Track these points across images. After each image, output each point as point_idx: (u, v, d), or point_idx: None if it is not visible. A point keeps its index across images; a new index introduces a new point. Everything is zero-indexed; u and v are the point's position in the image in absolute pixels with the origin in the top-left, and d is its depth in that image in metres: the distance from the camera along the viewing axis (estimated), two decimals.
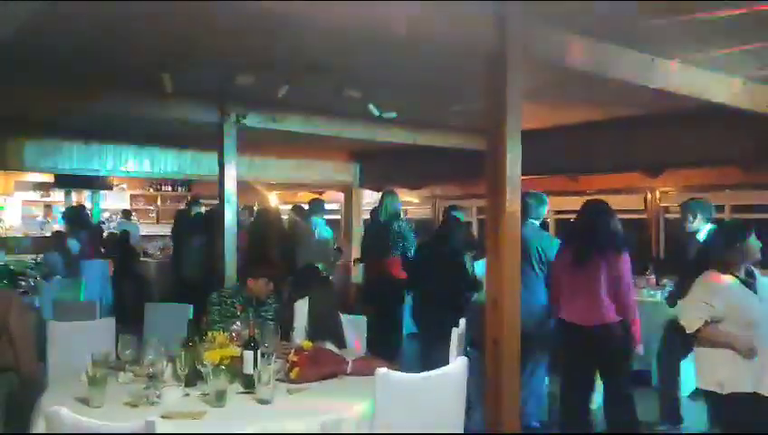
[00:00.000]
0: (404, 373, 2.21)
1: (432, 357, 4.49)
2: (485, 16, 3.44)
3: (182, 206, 11.29)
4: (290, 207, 9.47)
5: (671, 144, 6.88)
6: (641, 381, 5.89)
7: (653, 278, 6.71)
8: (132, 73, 5.01)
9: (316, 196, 10.04)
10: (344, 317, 3.93)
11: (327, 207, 8.85)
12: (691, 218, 5.05)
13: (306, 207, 8.30)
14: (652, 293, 6.43)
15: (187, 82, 5.10)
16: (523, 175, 3.73)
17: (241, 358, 3.09)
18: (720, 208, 7.04)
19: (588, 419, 4.49)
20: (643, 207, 8.54)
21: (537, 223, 5.17)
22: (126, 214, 12.53)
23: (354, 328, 3.92)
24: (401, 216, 6.72)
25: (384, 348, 4.73)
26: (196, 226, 8.03)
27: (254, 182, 10.07)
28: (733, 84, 4.99)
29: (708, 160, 6.81)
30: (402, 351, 6.44)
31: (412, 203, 11.48)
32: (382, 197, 6.66)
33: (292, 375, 3.15)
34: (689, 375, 5.36)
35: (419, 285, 5.56)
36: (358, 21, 3.11)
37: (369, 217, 8.37)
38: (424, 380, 2.24)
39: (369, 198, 11.33)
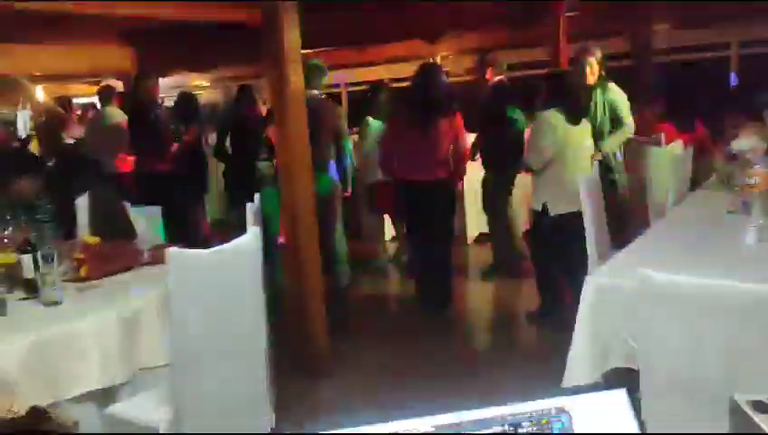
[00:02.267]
0: (196, 249, 2.17)
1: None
2: None
3: None
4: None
5: (446, 9, 7.14)
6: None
7: None
8: None
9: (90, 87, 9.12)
10: (134, 208, 3.74)
11: None
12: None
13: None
14: None
15: None
16: (308, 49, 3.70)
17: (18, 264, 2.85)
18: None
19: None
20: None
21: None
22: None
23: (146, 218, 3.75)
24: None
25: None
26: None
27: (15, 74, 8.86)
28: None
29: (478, 23, 7.19)
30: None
31: (202, 87, 10.95)
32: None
33: (82, 273, 2.96)
34: None
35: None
36: None
37: None
38: (217, 253, 2.22)
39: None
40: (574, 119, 4.19)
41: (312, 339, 3.85)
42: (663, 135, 5.28)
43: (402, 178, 4.70)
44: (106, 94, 7.04)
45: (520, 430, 0.84)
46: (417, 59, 8.71)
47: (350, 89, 9.50)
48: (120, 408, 2.44)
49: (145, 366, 2.63)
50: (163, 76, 10.52)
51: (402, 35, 7.84)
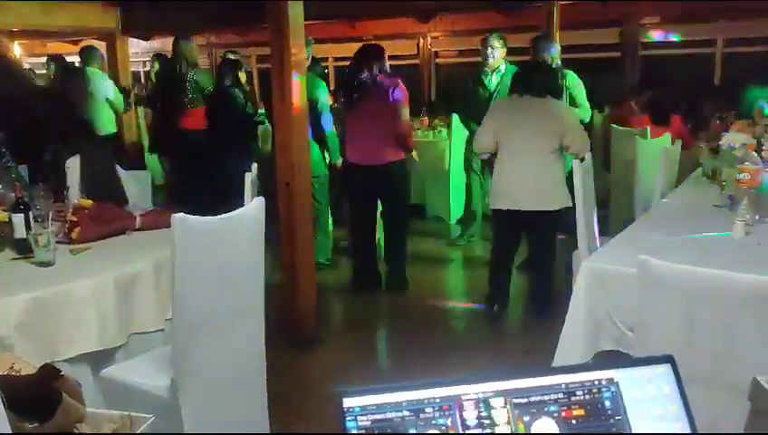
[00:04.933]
0: (201, 217, 2.17)
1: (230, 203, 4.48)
2: None
3: None
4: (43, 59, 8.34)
5: None
6: (417, 212, 6.54)
7: (426, 120, 7.20)
8: None
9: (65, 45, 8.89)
10: (126, 173, 3.71)
11: None
12: (491, 51, 5.16)
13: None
14: (426, 133, 6.94)
15: None
16: None
17: (10, 223, 2.81)
18: None
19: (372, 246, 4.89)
20: (416, 53, 8.91)
21: None
22: None
23: (137, 183, 3.72)
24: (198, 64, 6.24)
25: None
26: None
27: None
28: None
29: (473, 4, 7.20)
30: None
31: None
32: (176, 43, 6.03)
33: (74, 235, 2.93)
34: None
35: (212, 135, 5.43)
36: None
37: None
38: (222, 221, 2.22)
39: (137, 47, 10.33)
40: (530, 91, 3.95)
41: (300, 310, 3.87)
42: (648, 128, 5.37)
43: (350, 163, 4.66)
44: (89, 54, 6.82)
45: (573, 398, 0.88)
46: (407, 37, 8.72)
47: (338, 63, 9.43)
48: (115, 370, 2.44)
49: (139, 331, 2.64)
50: (146, 39, 10.35)
51: (394, 12, 7.79)
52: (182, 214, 2.10)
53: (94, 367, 2.47)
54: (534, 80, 4.00)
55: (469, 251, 5.85)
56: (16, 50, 10.56)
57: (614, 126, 5.78)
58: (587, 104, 5.03)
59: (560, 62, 5.15)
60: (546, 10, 6.37)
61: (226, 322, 2.32)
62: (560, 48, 5.28)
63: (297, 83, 3.55)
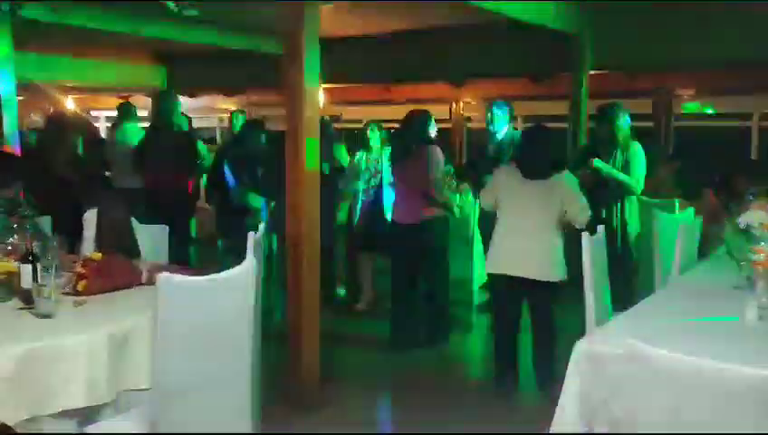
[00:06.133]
0: (188, 276, 2.18)
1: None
2: None
3: None
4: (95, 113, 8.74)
5: (474, 56, 7.26)
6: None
7: (454, 184, 7.20)
8: None
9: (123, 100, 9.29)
10: (141, 226, 3.79)
11: None
12: (490, 117, 5.47)
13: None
14: (453, 196, 6.93)
15: None
16: (334, 83, 3.78)
17: (19, 273, 2.88)
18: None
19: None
20: (448, 117, 9.02)
21: None
22: None
23: (152, 237, 3.79)
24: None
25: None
26: None
27: (45, 84, 9.08)
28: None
29: (505, 73, 7.29)
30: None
31: (229, 110, 11.10)
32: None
33: (79, 288, 2.98)
34: None
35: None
36: None
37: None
38: (209, 282, 2.23)
39: (183, 105, 10.73)
40: (527, 173, 3.95)
41: (303, 369, 3.83)
42: (677, 201, 5.26)
43: (392, 221, 5.02)
44: (124, 110, 7.08)
45: None
46: (440, 101, 8.83)
47: None
48: (100, 427, 2.43)
49: (130, 387, 2.64)
50: (192, 96, 10.77)
51: (429, 77, 7.96)
52: (168, 274, 2.12)
53: (80, 421, 2.47)
54: (537, 164, 3.94)
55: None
56: (70, 104, 11.12)
57: (640, 196, 5.68)
58: (641, 179, 4.84)
59: (627, 133, 4.85)
60: (576, 79, 6.39)
61: (209, 382, 2.30)
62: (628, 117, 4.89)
63: (310, 144, 3.62)
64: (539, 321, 4.06)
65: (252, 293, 2.41)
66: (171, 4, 4.90)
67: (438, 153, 4.80)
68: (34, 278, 2.84)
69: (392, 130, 5.35)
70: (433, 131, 4.96)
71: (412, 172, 4.73)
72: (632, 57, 6.36)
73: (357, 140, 6.25)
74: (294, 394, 3.83)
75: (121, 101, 9.13)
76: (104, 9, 6.02)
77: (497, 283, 4.10)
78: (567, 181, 3.95)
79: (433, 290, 4.97)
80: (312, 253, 3.68)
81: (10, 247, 3.11)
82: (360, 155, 5.88)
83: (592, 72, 6.42)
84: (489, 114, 5.44)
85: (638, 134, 5.14)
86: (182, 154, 5.57)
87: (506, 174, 4.09)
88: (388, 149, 5.51)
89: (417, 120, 4.89)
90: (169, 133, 5.60)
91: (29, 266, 2.86)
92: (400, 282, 4.94)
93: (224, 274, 2.32)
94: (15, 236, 3.20)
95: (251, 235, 3.12)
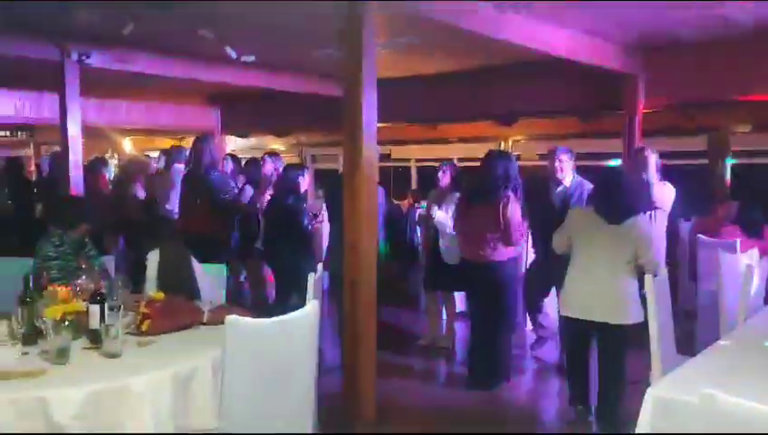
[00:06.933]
0: (254, 319, 2.21)
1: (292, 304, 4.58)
2: None
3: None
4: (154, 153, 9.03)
5: (523, 95, 7.26)
6: None
7: None
8: None
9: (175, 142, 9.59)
10: (201, 267, 3.86)
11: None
12: (559, 165, 5.03)
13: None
14: None
15: (24, 16, 4.64)
16: (382, 123, 3.82)
17: (87, 313, 2.96)
18: None
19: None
20: None
21: None
22: None
23: (211, 278, 3.85)
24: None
25: None
26: None
27: (106, 127, 9.45)
28: (571, 38, 5.34)
29: (553, 111, 7.27)
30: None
31: (279, 151, 11.35)
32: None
33: (144, 328, 3.05)
34: None
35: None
36: None
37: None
38: (274, 324, 2.26)
39: (234, 144, 11.02)
40: (607, 217, 3.86)
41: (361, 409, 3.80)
42: (738, 241, 5.10)
43: (461, 258, 4.94)
44: (172, 153, 7.15)
45: None
46: (488, 140, 8.83)
47: (420, 164, 9.65)
48: None
49: (195, 429, 2.66)
50: (243, 137, 11.05)
51: (477, 116, 7.98)
52: (235, 316, 2.15)
53: None
54: (616, 208, 3.86)
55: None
56: (127, 145, 11.55)
57: (701, 236, 5.53)
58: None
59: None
60: (627, 117, 6.33)
61: (275, 427, 2.31)
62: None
63: (369, 180, 3.66)
64: (609, 364, 3.96)
65: (315, 334, 2.42)
66: (230, 51, 5.08)
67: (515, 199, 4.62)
68: (102, 319, 2.93)
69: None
70: (515, 173, 4.70)
71: (483, 212, 4.62)
72: (686, 94, 6.26)
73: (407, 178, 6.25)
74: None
75: (174, 142, 9.46)
76: (162, 55, 6.26)
77: (570, 325, 4.07)
78: (641, 225, 3.89)
79: (507, 326, 4.90)
80: (370, 292, 3.68)
81: (78, 288, 3.20)
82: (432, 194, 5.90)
83: (646, 111, 6.35)
84: (557, 163, 5.02)
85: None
86: (210, 199, 5.48)
87: (583, 217, 4.03)
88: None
89: (497, 159, 4.73)
90: (201, 178, 5.53)
91: (97, 307, 2.94)
92: (479, 319, 4.90)
93: (289, 316, 2.34)
94: (84, 277, 3.30)
95: (311, 276, 3.15)
